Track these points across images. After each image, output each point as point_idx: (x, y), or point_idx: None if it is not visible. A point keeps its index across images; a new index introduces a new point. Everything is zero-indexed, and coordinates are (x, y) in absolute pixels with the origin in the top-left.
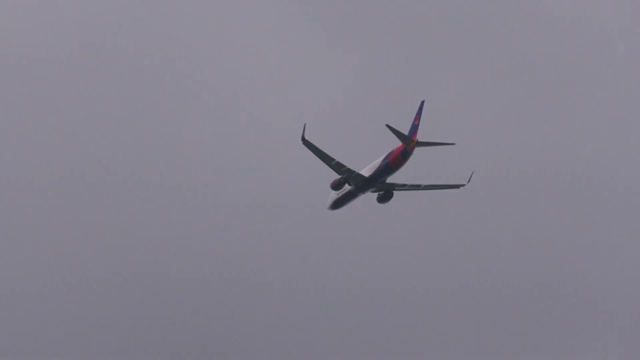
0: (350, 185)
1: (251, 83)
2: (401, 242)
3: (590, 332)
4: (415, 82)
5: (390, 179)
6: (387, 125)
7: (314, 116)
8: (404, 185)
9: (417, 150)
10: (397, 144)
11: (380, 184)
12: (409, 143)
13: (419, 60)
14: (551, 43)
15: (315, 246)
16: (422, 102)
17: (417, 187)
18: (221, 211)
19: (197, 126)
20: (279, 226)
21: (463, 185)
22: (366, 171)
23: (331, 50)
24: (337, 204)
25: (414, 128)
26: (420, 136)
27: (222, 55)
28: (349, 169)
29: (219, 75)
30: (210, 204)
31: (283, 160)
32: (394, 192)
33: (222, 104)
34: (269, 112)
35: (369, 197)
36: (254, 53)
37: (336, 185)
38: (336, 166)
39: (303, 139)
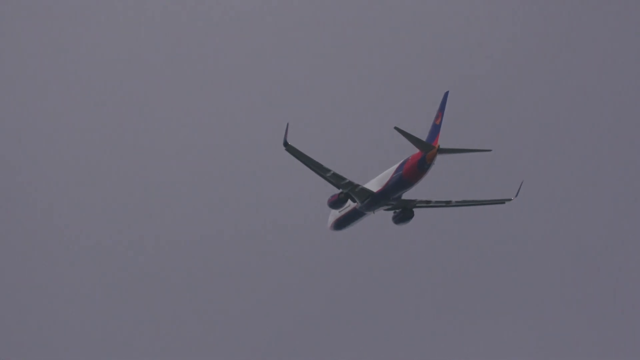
0: (355, 201)
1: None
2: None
3: None
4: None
5: (407, 195)
6: (397, 128)
7: (301, 115)
8: (428, 202)
9: (440, 159)
10: (413, 151)
11: (394, 200)
12: (427, 150)
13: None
14: None
15: (314, 273)
16: (446, 94)
17: (446, 204)
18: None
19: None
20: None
21: (510, 200)
22: (374, 184)
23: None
24: (340, 224)
25: (435, 129)
26: (442, 140)
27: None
28: (350, 182)
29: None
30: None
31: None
32: (415, 210)
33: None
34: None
35: (383, 215)
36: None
37: (334, 203)
38: (334, 178)
39: (285, 143)
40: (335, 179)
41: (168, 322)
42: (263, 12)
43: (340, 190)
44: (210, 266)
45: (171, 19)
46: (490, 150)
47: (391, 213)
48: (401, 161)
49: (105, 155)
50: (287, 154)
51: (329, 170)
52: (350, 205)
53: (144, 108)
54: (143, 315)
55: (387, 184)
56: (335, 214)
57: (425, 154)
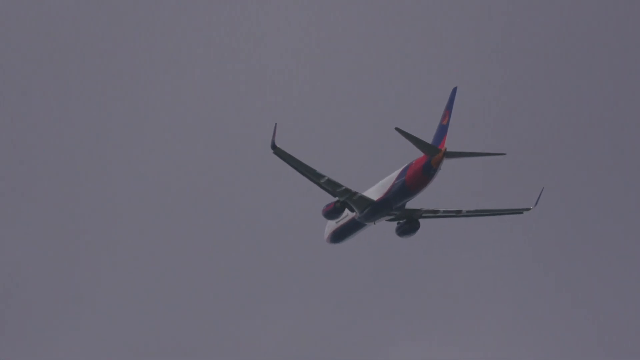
0: (353, 211)
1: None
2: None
3: None
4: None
5: (412, 203)
6: (398, 129)
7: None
8: (436, 211)
9: (447, 164)
10: (417, 154)
11: (397, 210)
12: (433, 154)
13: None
14: None
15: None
16: (454, 91)
17: (456, 214)
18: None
19: None
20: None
21: (529, 209)
22: (374, 192)
23: None
24: (338, 236)
25: (442, 131)
26: (450, 143)
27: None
28: (347, 189)
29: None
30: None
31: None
32: (420, 220)
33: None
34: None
35: (385, 226)
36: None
37: (329, 213)
38: (328, 185)
39: (274, 146)
40: (331, 186)
41: (163, 326)
42: (257, 9)
43: (337, 199)
44: (202, 279)
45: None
46: (504, 154)
47: (394, 224)
48: (404, 166)
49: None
50: (276, 157)
51: (323, 176)
52: (348, 215)
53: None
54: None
55: (388, 192)
56: (332, 225)
57: (430, 158)
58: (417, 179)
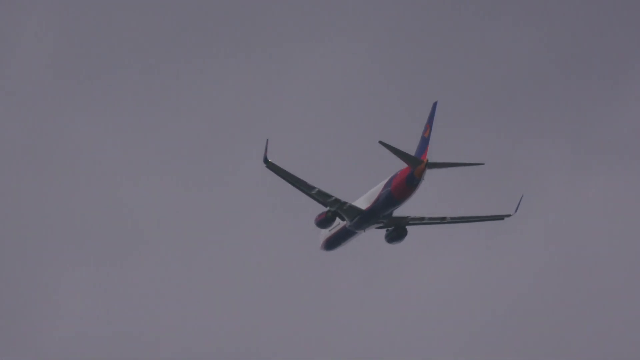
0: (344, 220)
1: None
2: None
3: None
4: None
5: (399, 211)
6: (382, 142)
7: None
8: (422, 218)
9: (430, 174)
10: (402, 166)
11: (384, 218)
12: (416, 165)
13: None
14: None
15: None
16: (435, 105)
17: (440, 221)
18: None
19: None
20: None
21: (509, 215)
22: (363, 202)
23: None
24: (331, 244)
25: (424, 143)
26: (432, 154)
27: None
28: (337, 200)
29: None
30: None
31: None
32: (407, 227)
33: None
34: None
35: (375, 234)
36: None
37: (321, 222)
38: (319, 196)
39: (266, 160)
40: (322, 197)
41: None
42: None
43: (328, 209)
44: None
45: None
46: (482, 164)
47: (384, 231)
48: (390, 177)
49: None
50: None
51: (313, 188)
52: (339, 223)
53: None
54: None
55: (376, 201)
56: (324, 233)
57: (413, 169)
58: (401, 188)
